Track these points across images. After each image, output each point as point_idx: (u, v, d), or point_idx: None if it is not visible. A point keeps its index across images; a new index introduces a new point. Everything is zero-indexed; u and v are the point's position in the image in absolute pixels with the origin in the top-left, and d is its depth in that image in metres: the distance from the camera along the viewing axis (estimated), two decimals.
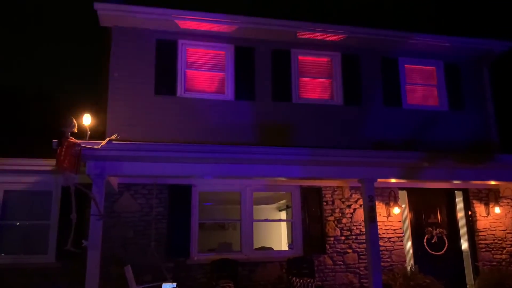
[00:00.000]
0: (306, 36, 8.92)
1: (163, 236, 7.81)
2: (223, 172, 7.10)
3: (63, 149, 5.85)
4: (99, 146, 6.24)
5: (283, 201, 11.28)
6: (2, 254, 7.45)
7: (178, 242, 7.80)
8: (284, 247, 10.88)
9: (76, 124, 6.07)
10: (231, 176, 7.40)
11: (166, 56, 8.47)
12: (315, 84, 9.19)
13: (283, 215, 11.70)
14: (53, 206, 7.69)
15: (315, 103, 8.98)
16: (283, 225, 11.65)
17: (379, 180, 7.56)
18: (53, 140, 6.05)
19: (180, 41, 8.59)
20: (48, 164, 7.29)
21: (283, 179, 7.92)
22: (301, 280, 7.66)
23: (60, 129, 5.97)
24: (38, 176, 7.64)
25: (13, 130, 10.61)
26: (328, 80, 9.22)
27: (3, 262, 7.32)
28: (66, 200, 7.27)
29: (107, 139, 6.45)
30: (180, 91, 8.44)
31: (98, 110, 7.96)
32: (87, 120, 6.41)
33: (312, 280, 7.70)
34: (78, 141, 6.09)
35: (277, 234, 11.86)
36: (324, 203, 8.58)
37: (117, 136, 6.55)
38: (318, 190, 8.58)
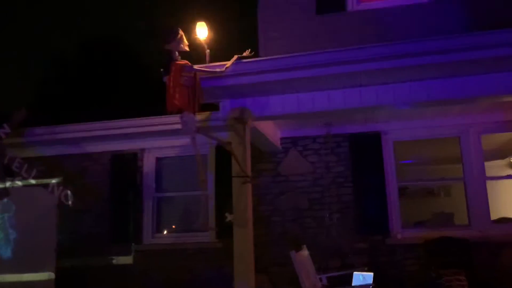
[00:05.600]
0: None
1: (349, 206, 5.70)
2: (434, 93, 4.22)
3: (171, 79, 3.78)
4: (223, 69, 4.05)
5: None
6: (160, 234, 6.34)
7: (371, 214, 5.64)
8: None
9: (184, 38, 3.83)
10: (449, 98, 4.37)
11: None
12: None
13: None
14: (209, 172, 6.25)
15: None
16: None
17: None
18: (161, 70, 4.03)
19: None
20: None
21: None
22: None
23: (162, 47, 3.81)
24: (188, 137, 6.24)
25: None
26: None
27: (161, 242, 6.28)
28: (222, 165, 5.89)
29: (235, 56, 4.15)
30: (351, 3, 5.99)
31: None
32: (202, 32, 4.32)
33: None
34: (191, 64, 3.90)
35: (509, 200, 8.33)
36: None
37: (250, 53, 4.20)
38: None
